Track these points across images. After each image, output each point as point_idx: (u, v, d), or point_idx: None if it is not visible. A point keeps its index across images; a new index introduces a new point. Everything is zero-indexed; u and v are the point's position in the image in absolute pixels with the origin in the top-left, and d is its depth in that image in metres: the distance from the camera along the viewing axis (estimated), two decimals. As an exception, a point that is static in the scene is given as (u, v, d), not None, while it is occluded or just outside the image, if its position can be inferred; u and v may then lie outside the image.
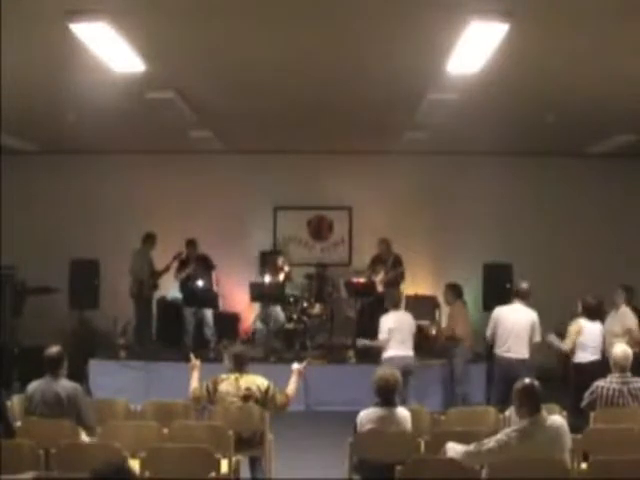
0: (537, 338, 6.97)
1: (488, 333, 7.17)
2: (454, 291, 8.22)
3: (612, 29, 5.24)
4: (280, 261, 9.86)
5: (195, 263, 9.63)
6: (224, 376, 5.39)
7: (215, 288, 9.80)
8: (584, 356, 6.66)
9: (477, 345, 8.87)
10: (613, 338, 6.99)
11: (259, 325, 9.80)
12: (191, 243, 9.71)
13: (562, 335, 6.99)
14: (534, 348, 6.94)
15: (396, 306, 7.78)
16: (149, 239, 9.72)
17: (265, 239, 10.87)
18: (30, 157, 10.58)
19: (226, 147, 10.36)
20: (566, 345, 6.72)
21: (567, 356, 6.89)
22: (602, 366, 6.00)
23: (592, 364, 6.50)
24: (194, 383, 5.43)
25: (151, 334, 9.93)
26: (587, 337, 6.68)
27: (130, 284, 9.60)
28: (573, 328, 6.73)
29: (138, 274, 9.58)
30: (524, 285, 7.15)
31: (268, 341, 9.45)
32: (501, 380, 6.94)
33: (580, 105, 7.62)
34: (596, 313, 6.80)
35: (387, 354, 7.43)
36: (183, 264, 9.65)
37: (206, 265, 9.72)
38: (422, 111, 7.74)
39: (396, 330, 7.48)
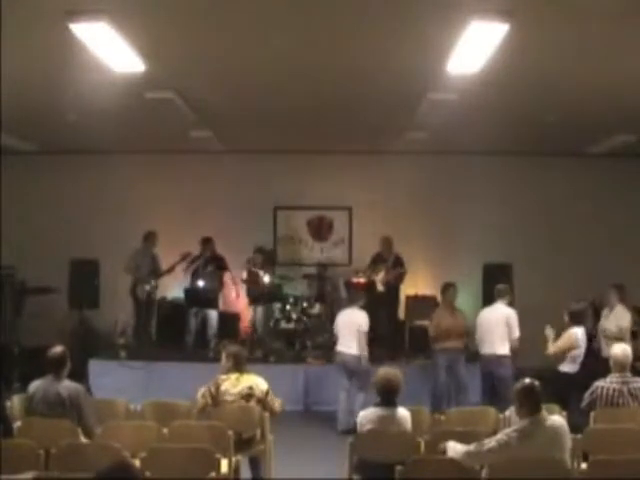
0: (515, 334, 7.22)
1: (476, 336, 7.55)
2: (442, 289, 8.11)
3: (612, 29, 5.24)
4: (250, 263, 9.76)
5: (207, 262, 9.62)
6: (224, 377, 5.43)
7: (231, 288, 9.74)
8: (573, 367, 6.59)
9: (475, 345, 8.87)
10: (608, 338, 6.99)
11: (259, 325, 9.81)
12: (206, 241, 9.71)
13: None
14: (514, 345, 7.19)
15: (351, 302, 7.86)
16: (149, 237, 9.70)
17: (265, 239, 10.87)
18: (30, 157, 10.58)
19: (226, 147, 10.36)
20: (551, 350, 6.63)
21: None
22: (581, 376, 6.05)
23: (574, 375, 6.51)
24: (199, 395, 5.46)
25: (150, 334, 9.92)
26: (579, 350, 6.59)
27: (130, 283, 9.60)
28: (566, 340, 6.60)
29: (133, 273, 9.55)
30: (500, 285, 7.60)
31: (268, 341, 9.46)
32: (482, 377, 7.46)
33: (580, 105, 7.63)
34: (583, 318, 6.84)
35: (335, 349, 7.76)
36: (194, 260, 9.65)
37: (219, 265, 9.70)
38: (422, 111, 7.73)
39: (342, 327, 7.66)
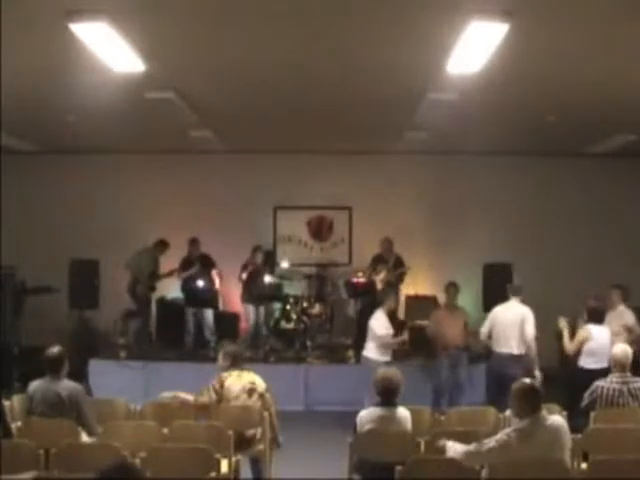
0: (528, 333, 7.00)
1: (483, 331, 7.37)
2: (446, 290, 8.12)
3: (612, 29, 5.24)
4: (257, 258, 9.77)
5: (197, 263, 9.65)
6: (226, 374, 5.48)
7: (217, 286, 9.80)
8: (590, 362, 6.54)
9: (477, 346, 8.87)
10: (613, 337, 6.98)
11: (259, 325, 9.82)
12: (194, 242, 9.75)
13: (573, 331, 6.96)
14: (530, 344, 6.98)
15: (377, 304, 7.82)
16: (160, 246, 9.76)
17: (265, 239, 10.86)
18: (30, 157, 10.58)
19: (226, 147, 10.36)
20: (571, 348, 6.65)
21: (568, 357, 6.85)
22: (606, 373, 5.94)
23: (597, 372, 6.28)
24: (189, 396, 5.47)
25: (150, 334, 9.93)
26: (595, 343, 6.56)
27: (128, 280, 9.62)
28: (581, 334, 6.64)
29: (133, 271, 9.56)
30: (517, 282, 7.53)
31: (268, 341, 9.46)
32: (494, 376, 7.20)
33: (580, 105, 7.62)
34: (602, 316, 6.74)
35: None
36: (186, 263, 9.67)
37: (206, 264, 9.73)
38: (422, 111, 7.73)
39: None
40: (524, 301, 7.29)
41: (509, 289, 7.44)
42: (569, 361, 6.77)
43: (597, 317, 6.67)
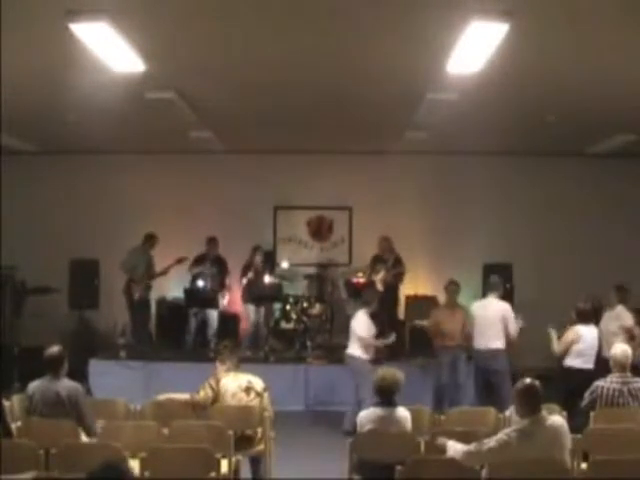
0: (512, 328, 7.25)
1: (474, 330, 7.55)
2: (446, 288, 8.13)
3: (612, 29, 5.25)
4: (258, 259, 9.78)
5: (211, 262, 9.65)
6: (223, 374, 5.51)
7: (225, 293, 9.81)
8: (577, 362, 6.62)
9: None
10: (610, 337, 7.00)
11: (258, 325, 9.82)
12: (211, 241, 9.75)
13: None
14: (514, 341, 7.24)
15: (362, 304, 7.77)
16: (149, 239, 9.70)
17: (265, 239, 10.87)
18: (30, 157, 10.58)
19: (226, 147, 10.35)
20: (558, 349, 6.71)
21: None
22: (592, 375, 5.99)
23: (583, 372, 6.47)
24: (184, 396, 5.50)
25: (150, 334, 9.92)
26: (584, 344, 6.63)
27: (124, 282, 9.61)
28: (569, 335, 6.70)
29: (129, 272, 9.54)
30: (493, 278, 7.66)
31: (268, 341, 9.46)
32: (477, 371, 7.49)
33: (580, 105, 7.63)
34: (590, 317, 6.81)
35: None
36: (200, 260, 9.66)
37: (220, 266, 9.72)
38: (422, 111, 7.74)
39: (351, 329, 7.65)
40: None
41: (487, 286, 7.64)
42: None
43: (585, 318, 6.73)
